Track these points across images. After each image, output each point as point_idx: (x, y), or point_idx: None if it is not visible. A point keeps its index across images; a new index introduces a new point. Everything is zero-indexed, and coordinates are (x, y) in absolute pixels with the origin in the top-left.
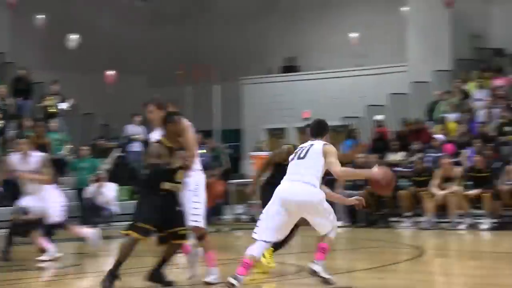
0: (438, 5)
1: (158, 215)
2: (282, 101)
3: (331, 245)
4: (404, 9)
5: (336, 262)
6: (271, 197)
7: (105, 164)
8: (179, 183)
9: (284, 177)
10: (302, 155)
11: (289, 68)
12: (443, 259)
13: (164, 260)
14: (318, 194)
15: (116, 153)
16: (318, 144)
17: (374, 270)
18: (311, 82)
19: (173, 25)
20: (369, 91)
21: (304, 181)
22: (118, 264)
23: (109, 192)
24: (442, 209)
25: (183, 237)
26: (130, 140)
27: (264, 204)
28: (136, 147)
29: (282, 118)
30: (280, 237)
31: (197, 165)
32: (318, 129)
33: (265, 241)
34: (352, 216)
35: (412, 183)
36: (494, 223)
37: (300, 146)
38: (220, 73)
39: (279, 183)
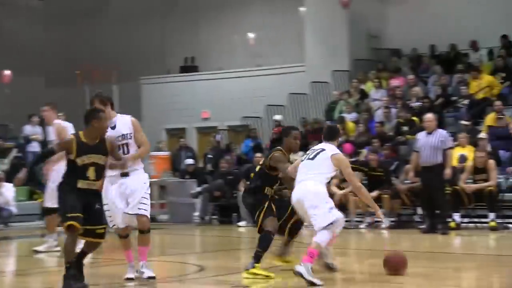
0: (335, 5)
1: (80, 207)
2: (181, 101)
3: (319, 249)
4: (302, 9)
5: (240, 262)
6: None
7: (3, 165)
8: (94, 180)
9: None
10: (311, 157)
11: (188, 68)
12: (342, 258)
13: (84, 253)
14: (314, 190)
15: (13, 154)
16: (328, 151)
17: (273, 270)
18: (210, 82)
19: (71, 25)
20: (268, 91)
21: (309, 180)
22: (69, 265)
23: (8, 193)
24: (341, 208)
25: (101, 236)
26: (28, 140)
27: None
28: (34, 147)
29: (181, 118)
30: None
31: (141, 164)
32: (330, 134)
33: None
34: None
35: None
36: (393, 221)
37: (312, 148)
38: (119, 73)
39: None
